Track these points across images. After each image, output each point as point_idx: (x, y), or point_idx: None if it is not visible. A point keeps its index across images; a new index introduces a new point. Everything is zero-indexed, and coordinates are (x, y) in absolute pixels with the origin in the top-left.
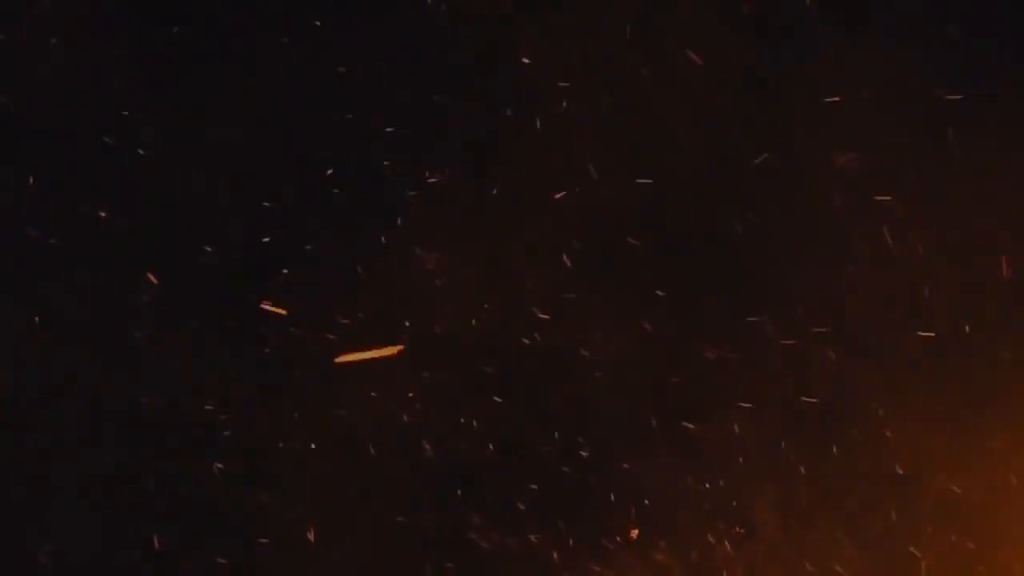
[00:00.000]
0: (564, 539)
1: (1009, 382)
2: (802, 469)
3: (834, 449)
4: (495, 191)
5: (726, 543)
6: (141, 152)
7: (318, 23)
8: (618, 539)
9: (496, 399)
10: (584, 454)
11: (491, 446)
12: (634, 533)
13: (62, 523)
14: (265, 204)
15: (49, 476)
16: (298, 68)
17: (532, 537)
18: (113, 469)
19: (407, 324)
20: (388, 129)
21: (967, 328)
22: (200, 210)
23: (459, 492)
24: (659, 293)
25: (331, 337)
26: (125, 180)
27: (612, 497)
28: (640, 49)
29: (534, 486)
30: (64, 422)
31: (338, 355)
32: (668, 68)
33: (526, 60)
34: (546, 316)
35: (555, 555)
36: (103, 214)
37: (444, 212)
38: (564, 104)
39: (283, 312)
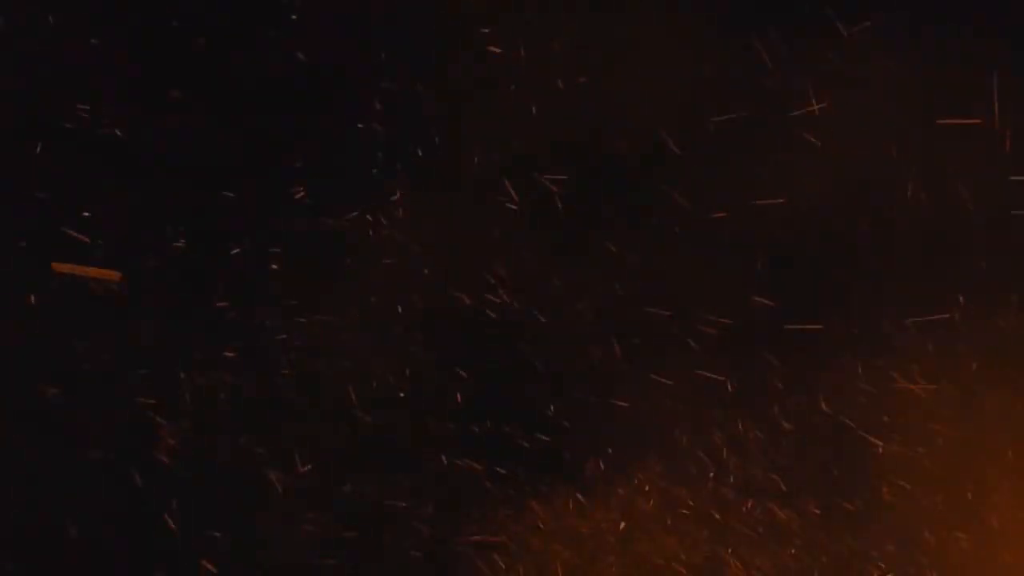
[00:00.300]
0: (535, 513)
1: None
2: (785, 425)
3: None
4: (465, 178)
5: (704, 510)
6: (118, 133)
7: (294, 17)
8: (601, 523)
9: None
10: (547, 438)
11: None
12: (621, 525)
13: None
14: (244, 197)
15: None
16: (279, 65)
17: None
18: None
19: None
20: (360, 125)
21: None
22: (181, 205)
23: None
24: (620, 256)
25: (306, 327)
26: (113, 176)
27: (586, 470)
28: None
29: (502, 468)
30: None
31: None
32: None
33: (496, 50)
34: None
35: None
36: (87, 213)
37: (416, 193)
38: (531, 93)
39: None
